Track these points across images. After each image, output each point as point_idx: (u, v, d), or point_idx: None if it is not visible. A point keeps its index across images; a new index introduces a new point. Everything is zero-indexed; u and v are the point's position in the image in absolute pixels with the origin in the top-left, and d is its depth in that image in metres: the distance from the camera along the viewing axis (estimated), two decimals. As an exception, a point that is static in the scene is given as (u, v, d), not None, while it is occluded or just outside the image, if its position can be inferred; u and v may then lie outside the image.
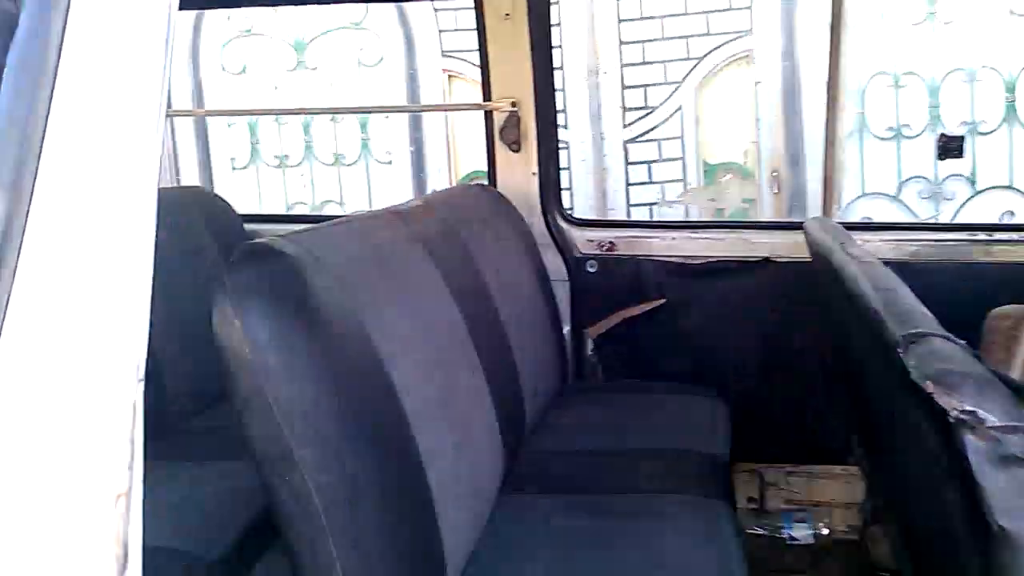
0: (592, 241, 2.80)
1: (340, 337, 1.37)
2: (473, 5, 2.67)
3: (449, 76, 5.90)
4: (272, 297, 1.29)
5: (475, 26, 2.69)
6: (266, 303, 1.28)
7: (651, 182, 6.08)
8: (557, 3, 5.46)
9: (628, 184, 6.06)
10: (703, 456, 2.08)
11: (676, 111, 6.01)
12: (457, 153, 5.99)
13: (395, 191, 6.22)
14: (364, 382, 1.38)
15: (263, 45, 6.38)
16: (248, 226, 3.04)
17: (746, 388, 2.62)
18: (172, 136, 6.36)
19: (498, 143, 2.76)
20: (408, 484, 1.42)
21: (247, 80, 6.41)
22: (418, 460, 1.44)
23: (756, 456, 2.64)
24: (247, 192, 6.44)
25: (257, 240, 1.39)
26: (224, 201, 3.05)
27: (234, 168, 6.57)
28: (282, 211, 6.41)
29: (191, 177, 6.45)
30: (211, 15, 6.28)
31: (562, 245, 2.79)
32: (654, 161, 6.07)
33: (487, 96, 2.74)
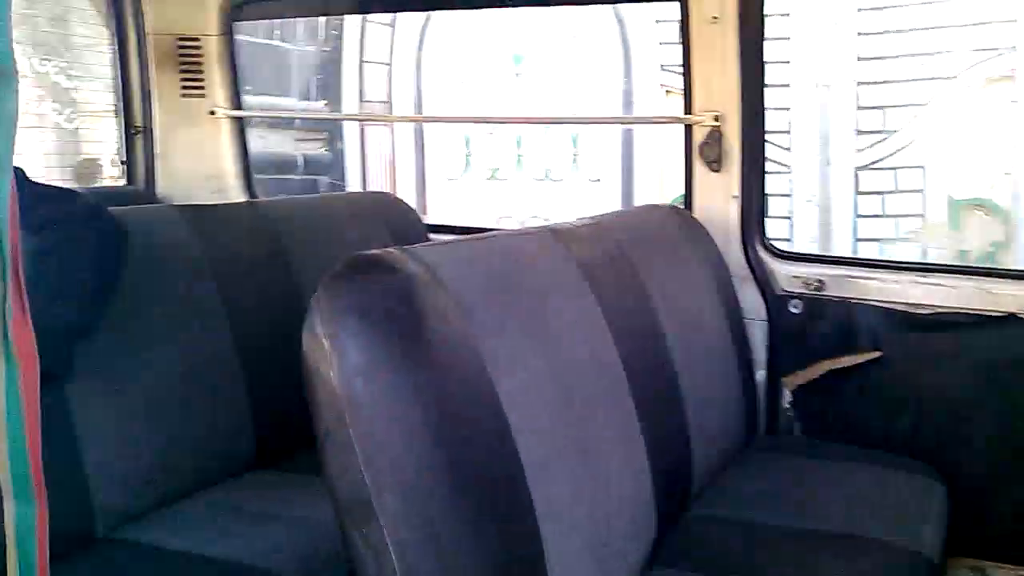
0: (798, 278, 2.44)
1: (449, 369, 1.17)
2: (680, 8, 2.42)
3: (666, 91, 5.64)
4: (370, 317, 1.11)
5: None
6: (362, 323, 1.10)
7: (884, 215, 5.48)
8: (788, 15, 5.05)
9: (856, 216, 5.49)
10: (906, 551, 1.70)
11: (919, 137, 5.37)
12: (668, 174, 5.71)
13: (601, 210, 6.04)
14: (471, 424, 1.18)
15: (484, 56, 6.41)
16: (433, 236, 2.94)
17: (972, 467, 2.17)
18: (392, 146, 6.53)
19: (696, 161, 2.48)
20: (515, 548, 1.20)
21: (465, 90, 6.47)
22: (531, 521, 1.21)
23: (979, 550, 2.18)
24: (458, 203, 6.49)
25: (369, 251, 1.22)
26: (410, 208, 2.97)
27: (448, 179, 6.65)
28: (490, 224, 6.41)
29: (408, 187, 6.59)
30: (434, 27, 6.39)
31: (762, 280, 2.46)
32: (889, 192, 5.46)
33: (688, 109, 2.47)
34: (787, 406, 2.45)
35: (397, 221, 2.78)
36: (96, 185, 3.46)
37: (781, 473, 2.12)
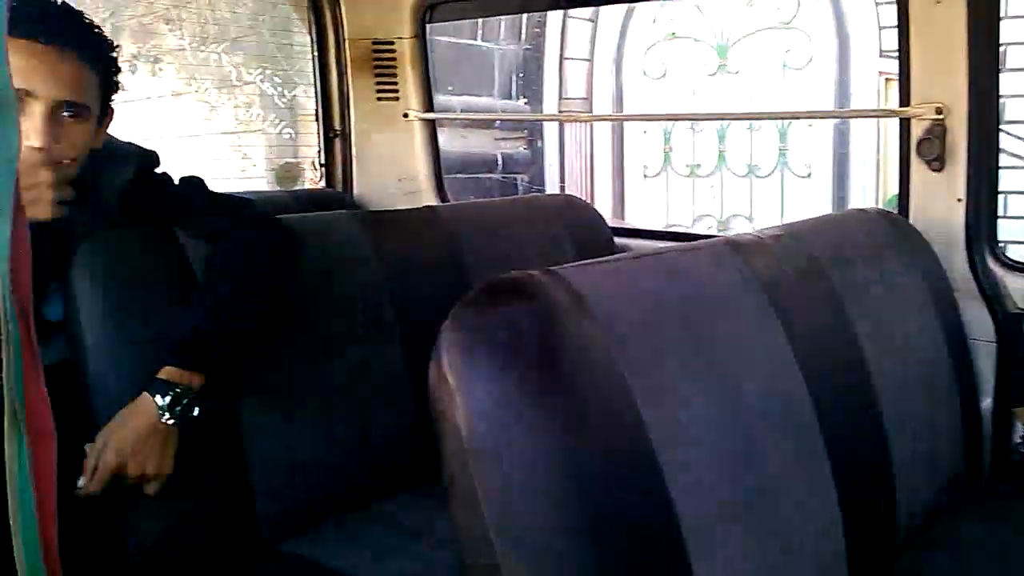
0: (1036, 294, 2.10)
1: (593, 414, 1.03)
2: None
3: (886, 80, 5.15)
4: (500, 352, 1.00)
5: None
6: (490, 359, 0.99)
7: None
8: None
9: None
10: None
11: None
12: (888, 171, 5.21)
13: (811, 209, 5.60)
14: (619, 481, 1.03)
15: (686, 49, 6.14)
16: (619, 240, 2.80)
17: None
18: (590, 142, 6.41)
19: (915, 160, 2.18)
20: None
21: (666, 85, 6.23)
22: (690, 593, 1.05)
23: None
24: (656, 202, 6.26)
25: (507, 275, 1.10)
26: (595, 212, 2.85)
27: (645, 176, 6.44)
28: (687, 223, 6.13)
29: (605, 185, 6.45)
30: (637, 20, 6.20)
31: (991, 296, 2.12)
32: None
33: (904, 100, 2.17)
34: (1019, 441, 2.12)
35: (580, 225, 2.66)
36: (296, 188, 3.57)
37: (1009, 524, 1.81)
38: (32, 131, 1.50)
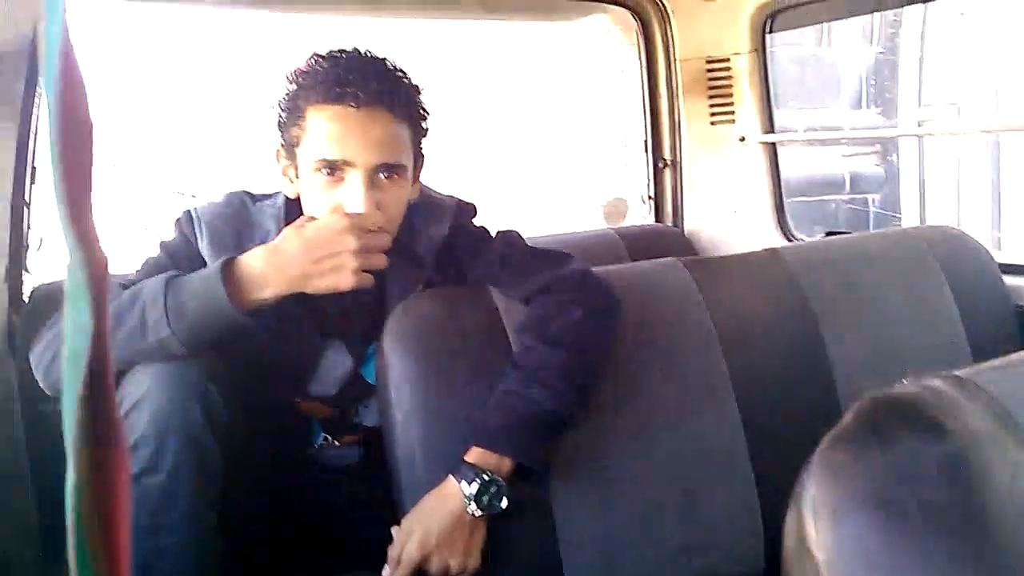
0: None
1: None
2: None
3: None
4: (900, 516, 0.68)
5: None
6: (885, 525, 0.68)
7: None
8: None
9: None
10: None
11: None
12: None
13: None
14: None
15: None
16: (1010, 280, 2.27)
17: None
18: (958, 158, 5.59)
19: None
20: None
21: None
22: None
23: None
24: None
25: (899, 389, 0.77)
26: (979, 247, 2.33)
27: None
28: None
29: (980, 210, 5.56)
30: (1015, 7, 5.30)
31: None
32: None
33: None
34: None
35: (961, 267, 2.17)
36: (623, 224, 3.40)
37: None
38: (351, 199, 1.42)
